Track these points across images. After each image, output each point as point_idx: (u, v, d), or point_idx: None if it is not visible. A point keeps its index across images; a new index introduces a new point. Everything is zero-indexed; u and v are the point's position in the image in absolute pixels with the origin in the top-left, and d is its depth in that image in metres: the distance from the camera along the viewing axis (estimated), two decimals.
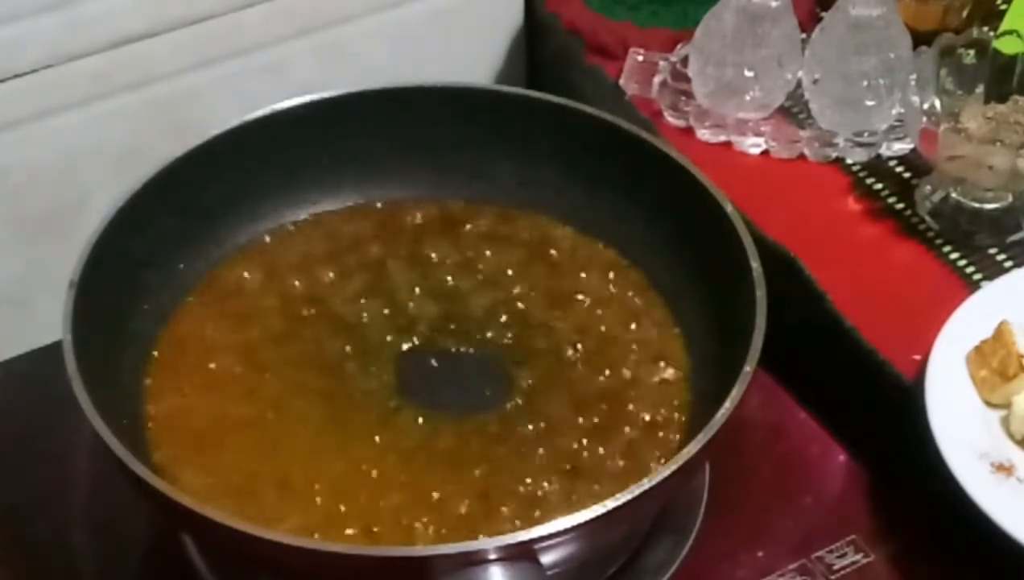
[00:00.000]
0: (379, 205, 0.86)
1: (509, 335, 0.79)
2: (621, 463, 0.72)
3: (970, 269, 0.89)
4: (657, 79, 1.03)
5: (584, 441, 0.73)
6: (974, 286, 0.87)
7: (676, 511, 0.77)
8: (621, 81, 1.03)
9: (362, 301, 0.81)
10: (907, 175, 0.96)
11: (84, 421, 0.66)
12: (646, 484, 0.64)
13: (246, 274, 0.82)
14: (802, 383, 0.84)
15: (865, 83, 0.96)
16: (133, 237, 0.77)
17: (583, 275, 0.82)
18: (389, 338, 0.79)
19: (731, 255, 0.75)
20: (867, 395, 0.83)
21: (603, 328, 0.79)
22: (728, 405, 0.67)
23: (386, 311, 0.80)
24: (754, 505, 0.78)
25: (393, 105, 0.85)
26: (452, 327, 0.79)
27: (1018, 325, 0.80)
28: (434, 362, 0.78)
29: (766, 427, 0.82)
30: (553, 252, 0.84)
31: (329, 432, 0.74)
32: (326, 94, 0.84)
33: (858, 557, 0.76)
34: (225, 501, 0.69)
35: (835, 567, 0.75)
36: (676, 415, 0.75)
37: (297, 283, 0.82)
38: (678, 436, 0.73)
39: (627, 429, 0.74)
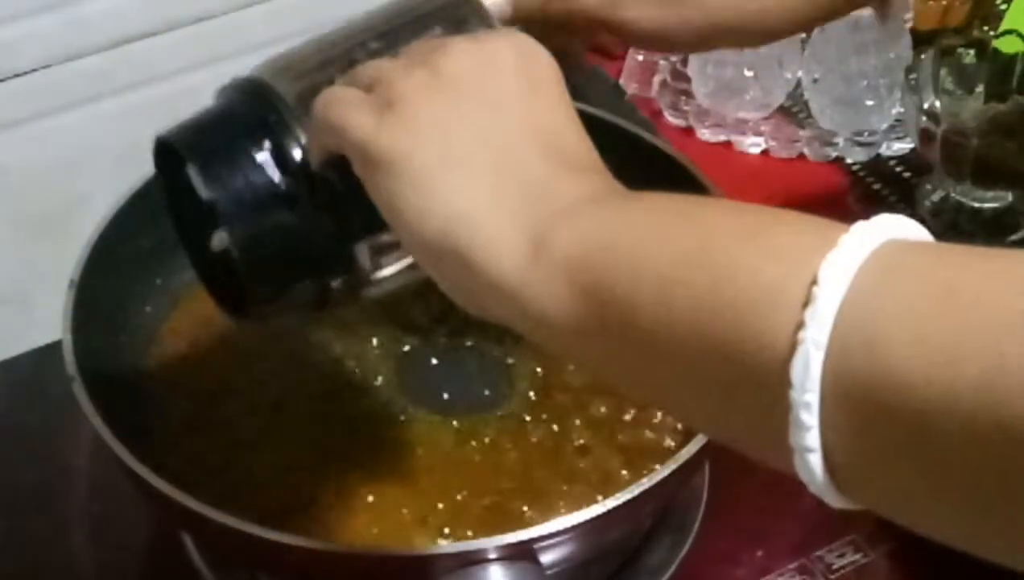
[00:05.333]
0: None
1: (509, 336, 0.79)
2: (621, 462, 0.72)
3: None
4: (657, 79, 1.03)
5: (584, 441, 0.73)
6: None
7: (676, 511, 0.77)
8: (621, 81, 1.03)
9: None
10: (907, 175, 0.97)
11: (84, 421, 0.66)
12: (646, 484, 0.64)
13: None
14: None
15: (865, 83, 0.97)
16: (133, 237, 0.77)
17: None
18: (389, 338, 0.79)
19: None
20: None
21: None
22: None
23: (386, 311, 0.80)
24: (754, 505, 0.78)
25: None
26: (452, 327, 0.79)
27: None
28: (434, 362, 0.78)
29: None
30: None
31: (330, 432, 0.74)
32: None
33: (857, 556, 0.76)
34: (225, 500, 0.69)
35: (834, 566, 0.75)
36: None
37: None
38: (678, 436, 0.73)
39: (627, 429, 0.74)
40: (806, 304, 0.39)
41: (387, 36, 0.59)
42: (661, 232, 0.45)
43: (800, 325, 0.39)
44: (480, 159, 0.49)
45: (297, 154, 0.57)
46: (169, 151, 0.58)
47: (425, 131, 0.50)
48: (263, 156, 0.57)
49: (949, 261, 0.39)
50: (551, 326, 0.46)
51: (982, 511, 0.38)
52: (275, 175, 0.56)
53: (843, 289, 0.39)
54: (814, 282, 0.39)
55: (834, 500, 0.41)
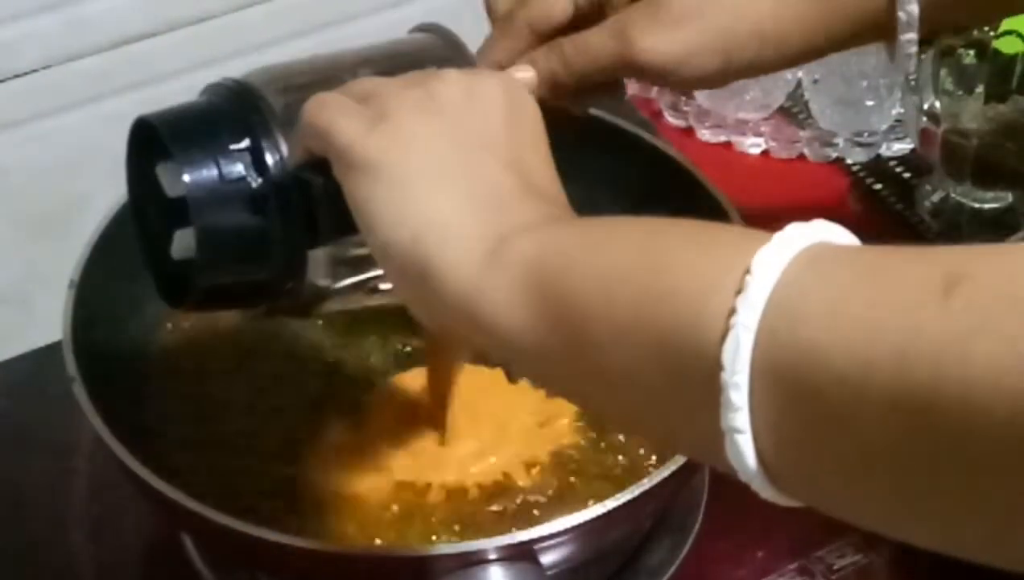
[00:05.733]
0: None
1: None
2: (621, 463, 0.72)
3: None
4: None
5: (584, 441, 0.73)
6: None
7: (676, 512, 0.77)
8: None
9: None
10: (907, 175, 0.97)
11: (84, 421, 0.66)
12: (646, 484, 0.64)
13: None
14: None
15: (865, 83, 0.97)
16: (133, 237, 0.77)
17: None
18: (389, 338, 0.79)
19: None
20: None
21: None
22: None
23: (386, 311, 0.80)
24: (754, 505, 0.78)
25: None
26: None
27: None
28: None
29: None
30: None
31: (330, 433, 0.74)
32: None
33: (858, 557, 0.76)
34: (225, 500, 0.69)
35: (835, 567, 0.75)
36: None
37: None
38: None
39: None
40: (739, 292, 0.40)
41: (381, 69, 0.60)
42: (611, 239, 0.47)
43: (732, 311, 0.40)
44: (459, 178, 0.52)
45: (273, 158, 0.58)
46: (147, 132, 0.59)
47: (413, 145, 0.52)
48: (240, 153, 0.58)
49: (875, 252, 0.40)
50: (504, 332, 0.48)
51: (908, 492, 0.38)
52: (249, 174, 0.58)
53: (774, 278, 0.40)
54: (747, 272, 0.41)
55: (764, 490, 0.43)
